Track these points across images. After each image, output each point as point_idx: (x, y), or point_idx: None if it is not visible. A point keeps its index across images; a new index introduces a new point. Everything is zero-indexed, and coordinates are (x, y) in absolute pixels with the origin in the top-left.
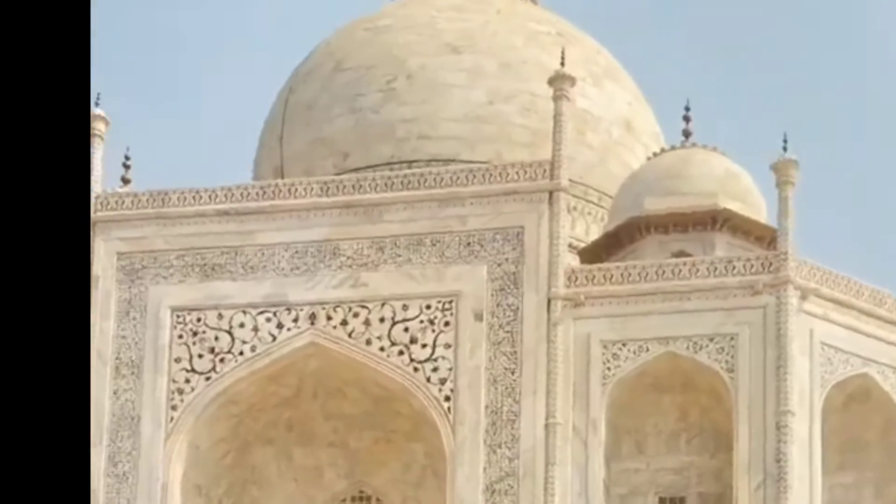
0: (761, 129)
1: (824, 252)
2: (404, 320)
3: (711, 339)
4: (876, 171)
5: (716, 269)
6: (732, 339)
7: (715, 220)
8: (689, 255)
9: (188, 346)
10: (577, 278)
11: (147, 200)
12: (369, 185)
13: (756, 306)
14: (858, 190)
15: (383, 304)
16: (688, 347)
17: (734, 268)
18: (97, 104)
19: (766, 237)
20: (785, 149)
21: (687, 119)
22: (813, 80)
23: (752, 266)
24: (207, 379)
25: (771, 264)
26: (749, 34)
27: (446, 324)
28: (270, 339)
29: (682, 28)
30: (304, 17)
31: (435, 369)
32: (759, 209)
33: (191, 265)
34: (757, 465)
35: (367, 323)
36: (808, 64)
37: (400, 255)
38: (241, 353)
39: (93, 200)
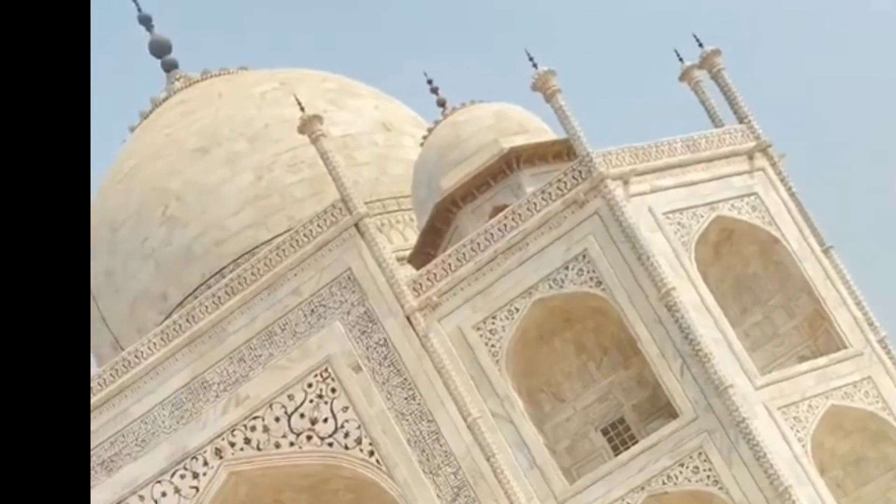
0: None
1: (626, 137)
2: (296, 409)
3: (567, 267)
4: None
5: (535, 204)
6: (584, 256)
7: (509, 163)
8: (505, 206)
9: None
10: (421, 284)
11: None
12: (199, 311)
13: (589, 215)
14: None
15: (271, 406)
16: (550, 286)
17: (550, 194)
18: None
19: (563, 152)
20: (535, 65)
21: (434, 90)
22: None
23: (565, 183)
24: None
25: (580, 172)
26: None
27: (333, 390)
28: (194, 491)
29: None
30: None
31: (346, 435)
32: (543, 131)
33: (92, 468)
34: (670, 352)
35: (266, 430)
36: None
37: (261, 355)
38: None
39: None
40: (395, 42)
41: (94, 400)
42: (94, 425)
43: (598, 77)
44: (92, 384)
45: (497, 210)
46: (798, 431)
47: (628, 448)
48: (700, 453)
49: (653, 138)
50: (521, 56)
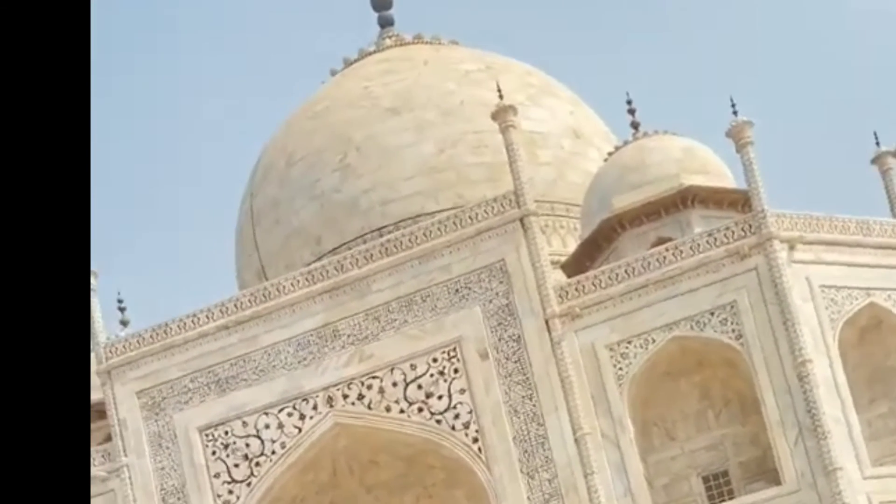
0: (703, 100)
1: (798, 199)
2: (415, 379)
3: (712, 314)
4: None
5: (698, 245)
6: (732, 307)
7: (684, 200)
8: (668, 239)
9: (223, 460)
10: (568, 293)
11: (151, 337)
12: (350, 262)
13: (747, 269)
14: (799, 130)
15: (392, 370)
16: (691, 327)
17: (716, 239)
18: None
19: (738, 201)
20: (735, 112)
21: (632, 111)
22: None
23: (733, 233)
24: (248, 485)
25: (751, 226)
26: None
27: (456, 371)
28: (296, 431)
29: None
30: (248, 118)
31: (457, 416)
32: (724, 176)
33: (206, 384)
34: (789, 421)
35: (381, 391)
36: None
37: (396, 319)
38: (274, 453)
39: (101, 350)
40: (604, 52)
41: (224, 321)
42: (218, 344)
43: (789, 130)
44: (227, 305)
45: (660, 241)
46: None
47: (724, 502)
48: None
49: (825, 207)
50: (719, 95)
